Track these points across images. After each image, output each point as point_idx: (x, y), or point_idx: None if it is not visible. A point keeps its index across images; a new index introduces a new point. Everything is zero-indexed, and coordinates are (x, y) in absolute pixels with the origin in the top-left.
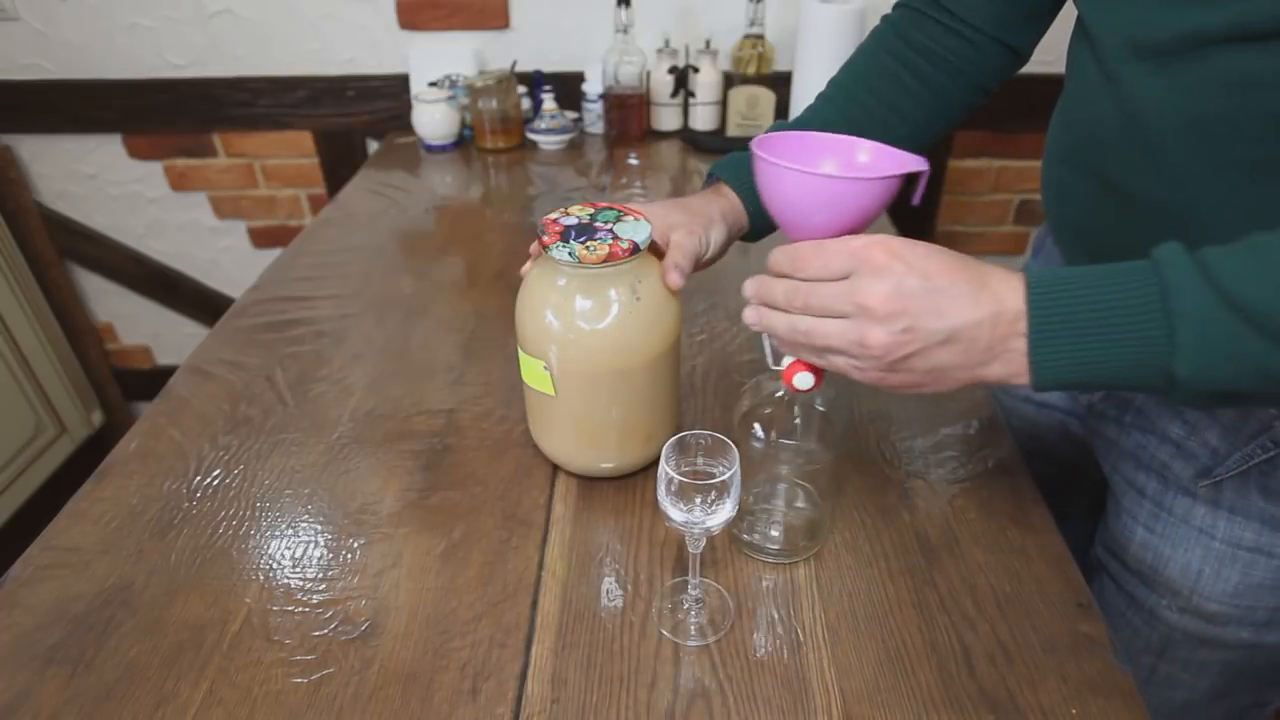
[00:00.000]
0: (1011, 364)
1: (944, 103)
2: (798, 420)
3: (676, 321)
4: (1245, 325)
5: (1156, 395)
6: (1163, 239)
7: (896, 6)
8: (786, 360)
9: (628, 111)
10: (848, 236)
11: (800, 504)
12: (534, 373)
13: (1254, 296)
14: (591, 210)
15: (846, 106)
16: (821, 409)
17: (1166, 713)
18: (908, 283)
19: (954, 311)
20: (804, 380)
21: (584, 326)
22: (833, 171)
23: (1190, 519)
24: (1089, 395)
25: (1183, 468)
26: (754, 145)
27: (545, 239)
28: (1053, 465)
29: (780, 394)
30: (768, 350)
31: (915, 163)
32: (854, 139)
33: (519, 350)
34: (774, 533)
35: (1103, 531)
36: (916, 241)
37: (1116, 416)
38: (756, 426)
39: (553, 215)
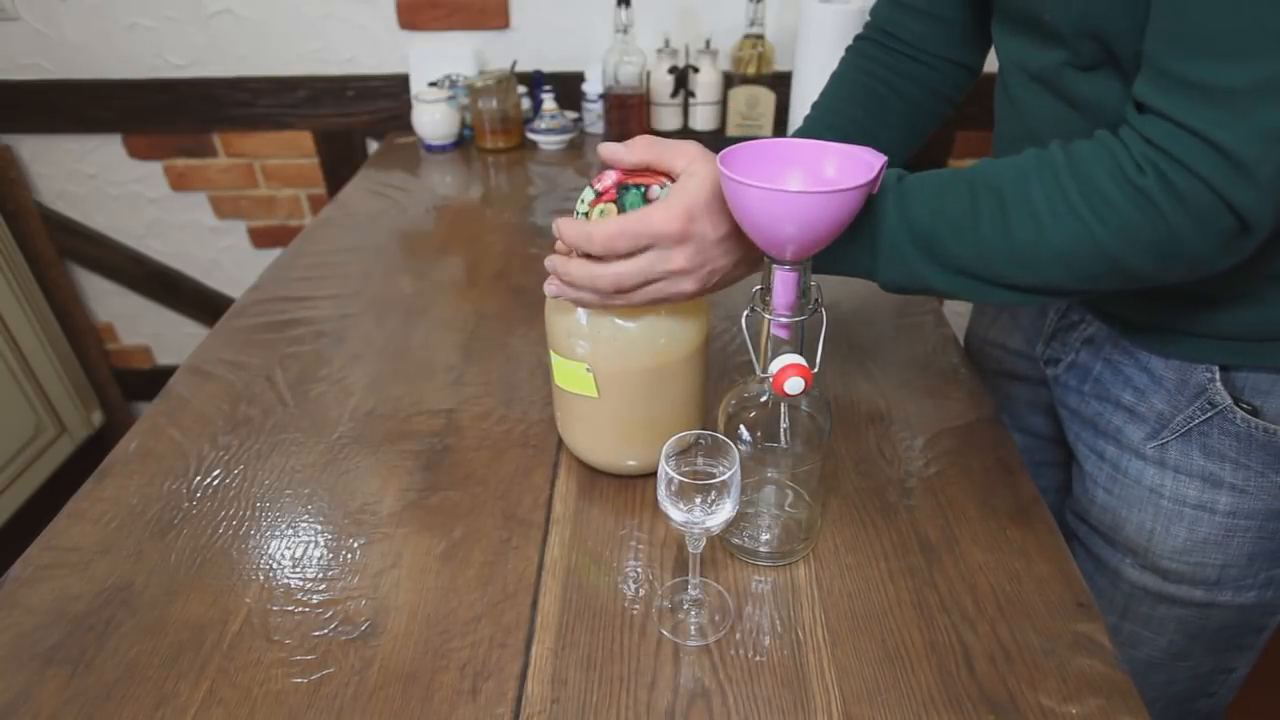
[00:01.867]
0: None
1: (920, 112)
2: (784, 423)
3: (708, 317)
4: (915, 247)
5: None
6: None
7: (856, 39)
8: (776, 365)
9: (628, 111)
10: (647, 210)
11: (789, 506)
12: (572, 376)
13: (923, 225)
14: (615, 177)
15: (835, 122)
16: (807, 410)
17: (1129, 673)
18: (705, 240)
19: (737, 246)
20: (795, 385)
21: (628, 325)
22: (800, 181)
23: (1142, 480)
24: (1054, 368)
25: (1134, 432)
26: (720, 161)
27: (606, 195)
28: (1029, 437)
29: (764, 398)
30: (754, 356)
31: (879, 163)
32: (820, 143)
33: (552, 355)
34: (764, 535)
35: (1070, 497)
36: (700, 191)
37: (1077, 386)
38: (742, 429)
39: (592, 186)
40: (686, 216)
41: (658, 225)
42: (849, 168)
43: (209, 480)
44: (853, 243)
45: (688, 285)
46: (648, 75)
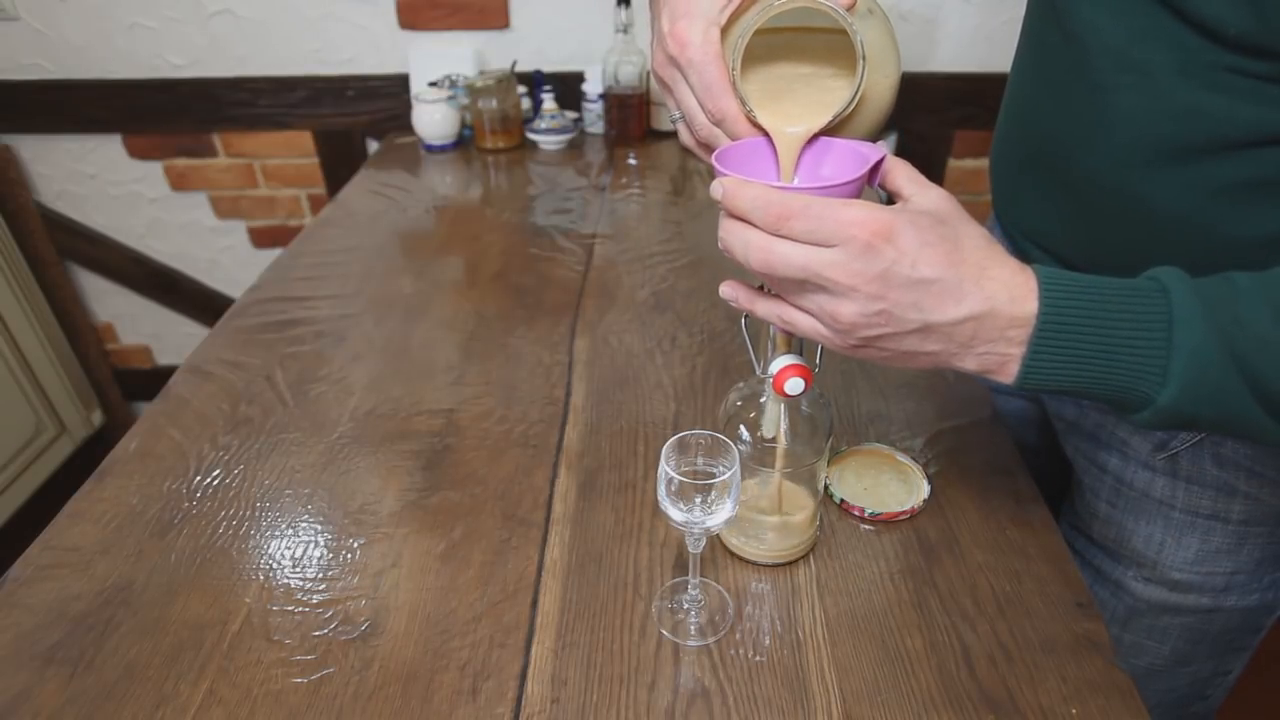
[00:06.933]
0: (989, 362)
1: None
2: (784, 423)
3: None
4: (1234, 370)
5: (1117, 413)
6: (1123, 243)
7: None
8: (776, 365)
9: (628, 111)
10: (845, 202)
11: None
12: None
13: (1247, 348)
14: None
15: None
16: (806, 410)
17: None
18: (894, 271)
19: (933, 307)
20: (795, 386)
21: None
22: (796, 179)
23: (1150, 492)
24: None
25: (1140, 443)
26: (714, 159)
27: None
28: (1021, 451)
29: (764, 398)
30: (754, 356)
31: (875, 155)
32: (819, 140)
33: None
34: (763, 535)
35: (1068, 510)
36: (921, 219)
37: (1074, 399)
38: (742, 429)
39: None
40: (887, 227)
41: (848, 219)
42: (844, 163)
43: (209, 480)
44: (1128, 355)
45: (846, 311)
46: (648, 75)
